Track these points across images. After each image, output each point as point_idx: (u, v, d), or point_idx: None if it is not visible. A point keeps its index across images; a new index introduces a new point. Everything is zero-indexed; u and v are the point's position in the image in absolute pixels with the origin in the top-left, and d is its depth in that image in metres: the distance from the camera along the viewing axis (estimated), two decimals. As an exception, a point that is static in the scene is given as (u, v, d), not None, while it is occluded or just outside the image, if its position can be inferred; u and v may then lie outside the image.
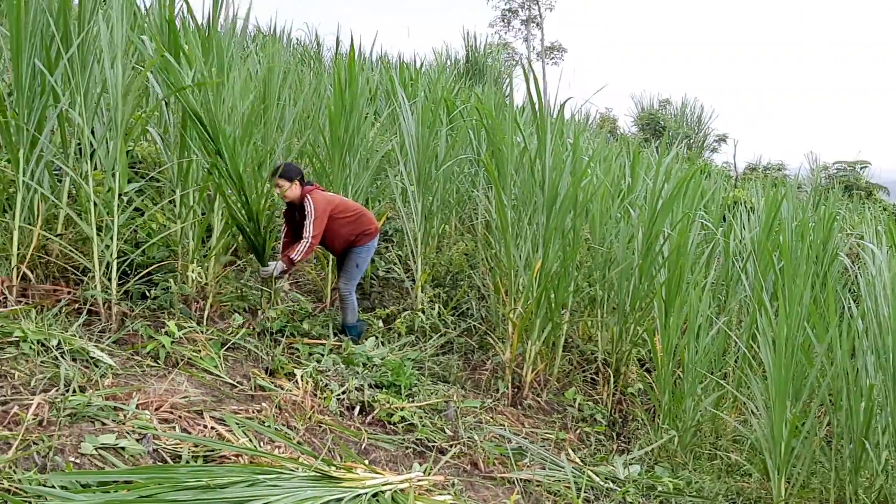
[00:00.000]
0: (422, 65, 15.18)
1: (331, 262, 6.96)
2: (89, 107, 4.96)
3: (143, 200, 5.63)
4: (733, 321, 7.24)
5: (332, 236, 6.06)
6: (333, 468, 3.65)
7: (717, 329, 6.18)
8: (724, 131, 26.26)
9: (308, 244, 5.75)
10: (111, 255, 4.76)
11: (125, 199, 4.98)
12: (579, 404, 6.07)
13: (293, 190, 5.86)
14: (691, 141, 24.56)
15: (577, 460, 5.14)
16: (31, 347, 3.96)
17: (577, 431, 5.82)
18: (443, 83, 9.82)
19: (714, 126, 25.99)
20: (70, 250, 4.84)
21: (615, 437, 6.01)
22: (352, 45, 6.97)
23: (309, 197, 5.84)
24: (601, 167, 7.43)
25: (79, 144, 4.96)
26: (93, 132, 5.02)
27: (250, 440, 3.87)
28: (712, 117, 25.69)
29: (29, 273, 4.73)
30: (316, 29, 17.19)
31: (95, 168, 5.07)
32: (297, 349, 5.43)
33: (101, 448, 3.34)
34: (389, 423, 4.77)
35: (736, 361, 6.59)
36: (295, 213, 5.99)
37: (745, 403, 5.85)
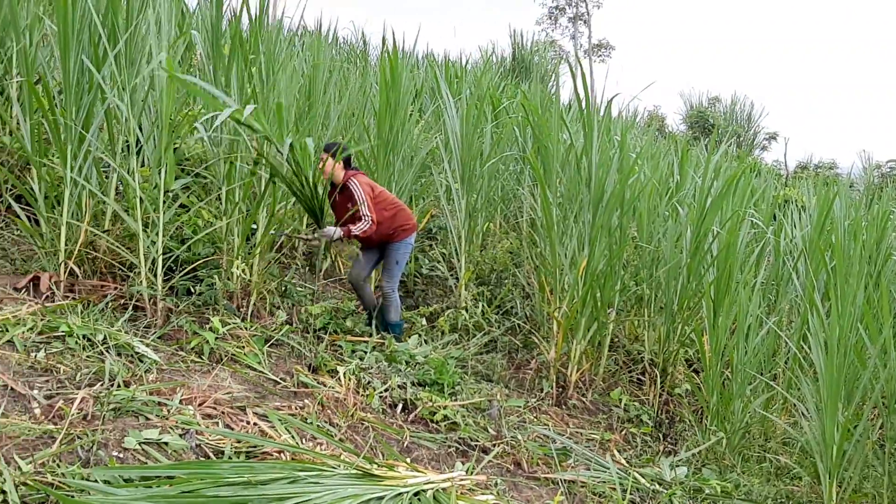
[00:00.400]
0: (467, 62, 15.14)
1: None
2: (136, 103, 4.99)
3: (188, 197, 5.67)
4: (783, 322, 7.09)
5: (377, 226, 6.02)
6: (375, 466, 3.62)
7: (767, 329, 6.04)
8: (774, 129, 25.86)
9: (368, 224, 5.73)
10: (157, 251, 4.79)
11: (171, 195, 5.00)
12: (625, 405, 5.97)
13: (337, 169, 5.83)
14: (741, 139, 24.19)
15: (623, 461, 5.06)
16: (76, 342, 3.99)
17: (623, 432, 5.73)
18: (488, 80, 9.76)
19: (764, 124, 25.62)
20: (116, 246, 4.88)
21: (661, 439, 5.91)
22: (394, 42, 6.94)
23: (354, 180, 5.82)
24: (649, 165, 7.31)
25: (126, 141, 4.99)
26: (140, 129, 5.06)
27: (292, 437, 3.86)
28: (762, 115, 25.29)
29: (76, 269, 4.77)
30: (362, 28, 17.27)
31: (142, 165, 5.11)
32: (340, 346, 5.42)
33: (144, 443, 3.35)
34: (432, 421, 4.73)
35: (786, 363, 6.44)
36: (335, 194, 5.96)
37: (795, 405, 5.72)
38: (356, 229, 5.70)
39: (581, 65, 6.31)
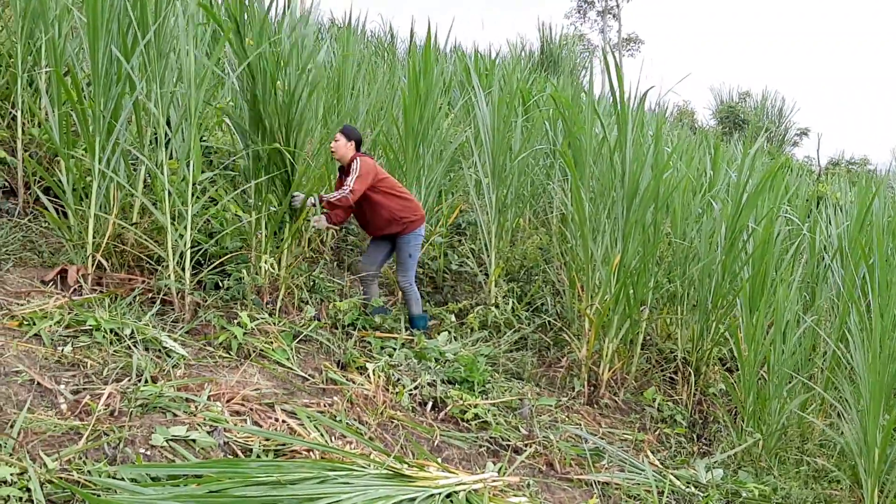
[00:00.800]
0: (496, 56, 15.02)
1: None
2: (165, 95, 4.93)
3: (216, 190, 5.61)
4: (821, 321, 6.92)
5: (376, 209, 5.90)
6: (406, 466, 3.54)
7: (804, 328, 5.88)
8: (805, 125, 25.51)
9: (346, 194, 5.62)
10: (185, 244, 4.73)
11: (199, 188, 4.94)
12: (659, 405, 5.84)
13: (344, 148, 5.79)
14: (772, 134, 23.87)
15: (657, 463, 4.94)
16: (103, 336, 3.93)
17: (657, 432, 5.61)
18: (517, 74, 9.64)
19: (794, 119, 25.26)
20: (144, 239, 4.83)
21: (695, 439, 5.78)
22: (428, 33, 6.84)
23: (358, 158, 5.76)
24: (683, 160, 7.17)
25: (155, 133, 4.93)
26: (168, 122, 5.00)
27: (322, 435, 3.78)
28: (793, 110, 24.92)
29: (104, 262, 4.72)
30: (390, 21, 17.20)
31: (171, 157, 5.06)
32: (369, 343, 5.34)
33: (171, 440, 3.28)
34: (462, 420, 4.64)
35: (824, 362, 6.28)
36: (343, 178, 5.88)
37: (833, 406, 5.57)
38: (329, 196, 5.63)
39: (616, 58, 6.18)
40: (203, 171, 5.16)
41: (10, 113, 5.80)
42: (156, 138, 4.91)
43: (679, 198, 6.49)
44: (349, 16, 16.82)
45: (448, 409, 4.67)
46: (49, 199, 5.05)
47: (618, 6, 34.16)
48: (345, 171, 5.84)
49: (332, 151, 5.86)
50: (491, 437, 4.50)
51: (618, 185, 5.93)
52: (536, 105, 8.40)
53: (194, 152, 4.80)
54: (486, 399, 4.93)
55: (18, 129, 5.44)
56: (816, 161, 20.12)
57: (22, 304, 4.13)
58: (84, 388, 3.50)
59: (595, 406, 5.78)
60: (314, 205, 5.66)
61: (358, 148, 5.88)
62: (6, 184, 5.48)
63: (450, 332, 5.98)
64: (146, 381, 3.69)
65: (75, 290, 4.54)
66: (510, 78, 8.22)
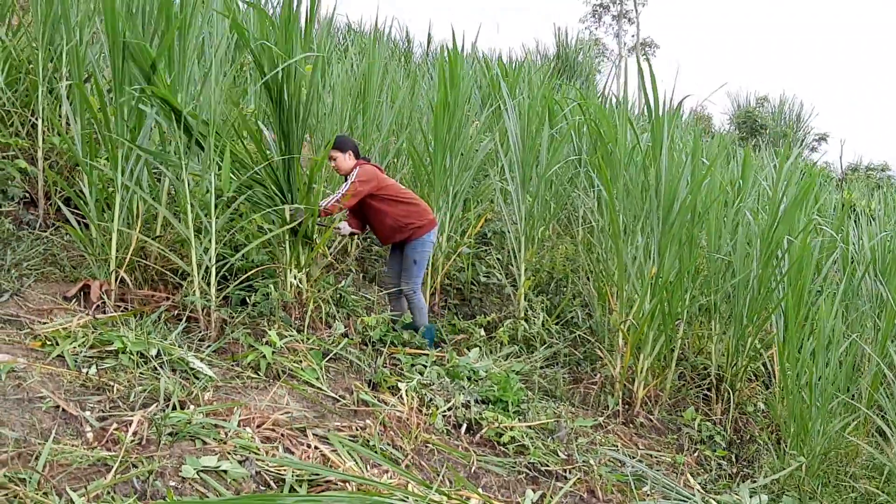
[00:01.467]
0: (511, 62, 14.85)
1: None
2: (188, 102, 4.78)
3: (240, 202, 5.44)
4: (863, 336, 6.71)
5: (380, 216, 5.74)
6: (446, 498, 3.36)
7: (848, 344, 5.67)
8: (822, 130, 25.26)
9: (335, 198, 5.47)
10: (209, 259, 4.57)
11: (224, 199, 4.77)
12: (698, 424, 5.65)
13: (346, 161, 5.63)
14: (790, 140, 23.62)
15: (699, 487, 4.75)
16: (129, 359, 3.77)
17: (695, 453, 5.42)
18: (539, 81, 9.46)
19: (812, 124, 25.03)
20: (167, 253, 4.67)
21: (734, 460, 5.59)
22: (454, 44, 6.67)
23: (358, 167, 5.62)
24: (718, 170, 6.97)
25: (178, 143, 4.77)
26: (190, 130, 4.84)
27: (356, 463, 3.61)
28: (811, 116, 24.69)
29: (126, 277, 4.57)
30: (407, 26, 17.06)
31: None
32: (400, 360, 5.17)
33: (202, 471, 3.11)
34: (499, 443, 4.46)
35: (867, 380, 6.08)
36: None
37: (879, 428, 5.37)
38: (323, 201, 5.44)
39: (649, 64, 5.99)
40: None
41: (31, 121, 5.66)
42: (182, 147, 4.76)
43: (715, 209, 6.30)
44: (373, 21, 16.68)
45: (483, 431, 4.48)
46: (70, 210, 4.91)
47: (636, 9, 33.93)
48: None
49: (336, 170, 5.72)
50: (529, 463, 4.31)
51: (652, 197, 5.74)
52: (562, 112, 8.21)
53: (216, 163, 4.64)
54: (522, 420, 4.75)
55: (39, 137, 5.29)
56: (838, 167, 19.92)
57: (44, 323, 3.98)
58: (111, 415, 3.33)
59: (630, 425, 5.59)
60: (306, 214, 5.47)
61: (357, 155, 5.72)
62: (26, 194, 5.34)
63: (480, 348, 5.80)
64: (174, 407, 3.53)
65: (98, 306, 4.39)
66: (532, 83, 8.03)
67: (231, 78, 5.96)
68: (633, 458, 4.91)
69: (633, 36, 36.23)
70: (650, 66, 5.84)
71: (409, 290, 5.86)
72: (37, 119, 5.34)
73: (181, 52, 4.78)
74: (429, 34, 17.61)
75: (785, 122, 24.81)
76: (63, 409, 3.25)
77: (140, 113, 4.71)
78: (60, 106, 5.49)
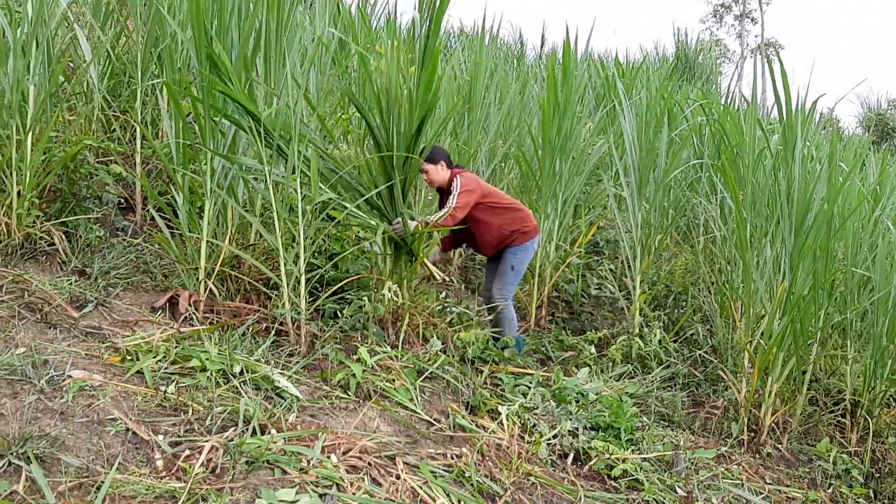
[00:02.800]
0: (630, 64, 14.31)
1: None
2: (284, 108, 4.56)
3: (331, 208, 5.20)
4: None
5: (483, 227, 5.38)
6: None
7: None
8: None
9: (449, 212, 5.04)
10: (300, 269, 4.32)
11: (316, 206, 4.52)
12: (834, 458, 5.08)
13: (439, 173, 5.24)
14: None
15: (836, 532, 4.23)
16: (208, 378, 3.54)
17: (830, 489, 4.86)
18: (656, 81, 8.95)
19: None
20: (257, 263, 4.45)
21: (874, 497, 5.00)
22: (566, 41, 6.26)
23: (458, 176, 5.22)
24: (858, 177, 6.35)
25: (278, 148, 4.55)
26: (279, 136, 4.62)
27: (448, 499, 3.27)
28: (951, 119, 23.07)
29: (215, 288, 4.38)
30: (520, 28, 16.70)
31: (293, 173, 4.66)
32: (501, 380, 4.80)
33: (278, 505, 2.84)
34: (609, 476, 4.03)
35: None
36: (445, 199, 5.34)
37: None
38: (433, 218, 5.05)
39: (781, 60, 5.46)
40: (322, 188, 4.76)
41: (132, 126, 5.58)
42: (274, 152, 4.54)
43: (854, 219, 5.69)
44: (480, 22, 16.43)
45: (592, 462, 4.07)
46: (161, 216, 4.76)
47: (760, 8, 32.63)
48: (445, 191, 5.33)
49: (429, 183, 5.37)
50: (644, 501, 3.88)
51: (783, 204, 5.21)
52: (682, 114, 7.70)
53: (312, 168, 4.39)
54: (636, 451, 4.31)
55: (138, 142, 5.19)
56: None
57: (127, 336, 3.80)
58: (185, 440, 3.09)
59: (757, 456, 5.07)
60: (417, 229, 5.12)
61: (450, 164, 5.36)
62: (123, 200, 5.24)
63: (590, 367, 5.38)
64: (254, 431, 3.27)
65: (186, 318, 4.20)
66: (650, 85, 7.55)
67: (326, 81, 5.75)
68: (761, 494, 4.42)
69: (756, 36, 34.91)
70: (781, 63, 5.31)
71: (501, 299, 5.48)
72: (136, 124, 5.24)
73: (278, 46, 4.56)
74: (542, 36, 17.16)
75: (921, 125, 23.30)
76: (134, 433, 3.03)
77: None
78: (160, 111, 5.38)
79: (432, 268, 4.94)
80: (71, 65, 5.58)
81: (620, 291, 6.68)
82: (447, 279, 5.23)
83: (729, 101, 9.10)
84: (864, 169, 8.10)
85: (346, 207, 4.56)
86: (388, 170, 4.66)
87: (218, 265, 4.38)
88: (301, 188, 4.35)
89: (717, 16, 35.49)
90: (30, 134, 4.34)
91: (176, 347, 3.72)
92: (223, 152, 4.45)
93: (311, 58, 4.78)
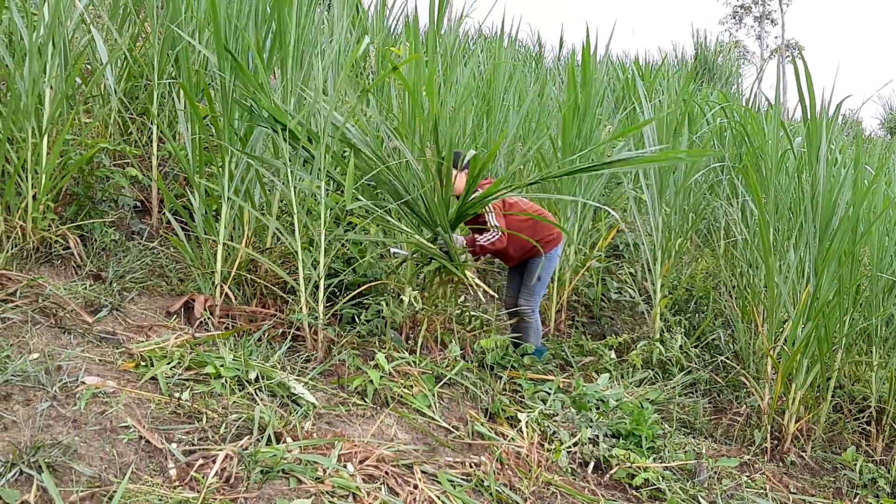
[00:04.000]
0: (648, 65, 14.19)
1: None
2: (303, 108, 4.50)
3: (350, 213, 5.14)
4: None
5: (509, 239, 5.22)
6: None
7: None
8: None
9: (497, 236, 4.98)
10: (318, 274, 4.26)
11: (336, 211, 4.47)
12: (860, 467, 4.97)
13: (459, 180, 5.00)
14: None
15: (864, 544, 4.12)
16: (223, 385, 3.49)
17: (856, 499, 4.75)
18: (676, 84, 8.83)
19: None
20: (275, 268, 4.40)
21: (901, 508, 4.89)
22: (586, 42, 6.17)
23: (480, 191, 5.10)
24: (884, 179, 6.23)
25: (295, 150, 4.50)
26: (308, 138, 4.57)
27: (467, 508, 3.21)
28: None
29: (230, 293, 4.33)
30: (538, 31, 16.62)
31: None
32: (521, 386, 4.72)
33: (292, 516, 2.78)
34: (630, 485, 3.95)
35: None
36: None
37: None
38: (482, 240, 4.98)
39: (805, 61, 5.35)
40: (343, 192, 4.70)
41: (149, 129, 5.54)
42: (295, 154, 4.48)
43: (882, 223, 5.57)
44: (499, 25, 16.39)
45: (613, 471, 4.00)
46: (178, 220, 4.72)
47: (781, 9, 32.37)
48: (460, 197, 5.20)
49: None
50: (665, 511, 3.80)
51: (807, 208, 5.11)
52: (704, 116, 7.59)
53: (324, 171, 4.34)
54: (658, 459, 4.22)
55: (154, 144, 5.15)
56: None
57: (141, 341, 3.76)
58: (198, 448, 3.04)
59: (780, 464, 4.97)
60: (467, 251, 5.04)
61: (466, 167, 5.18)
62: (139, 203, 5.20)
63: (610, 373, 5.29)
64: (269, 439, 3.21)
65: (201, 322, 4.15)
66: (670, 86, 7.44)
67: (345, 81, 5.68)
68: (785, 504, 4.32)
69: (776, 38, 34.65)
70: (805, 64, 5.20)
71: (528, 308, 5.39)
72: (153, 126, 5.21)
73: (296, 49, 4.51)
74: (560, 38, 17.05)
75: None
76: (147, 441, 2.98)
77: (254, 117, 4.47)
78: (176, 113, 5.34)
79: (480, 283, 4.86)
80: (88, 67, 5.56)
81: (640, 296, 6.59)
82: (493, 294, 5.14)
83: (750, 102, 8.96)
84: (888, 172, 7.96)
85: (384, 216, 4.48)
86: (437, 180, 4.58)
87: (234, 269, 4.33)
88: (324, 191, 4.29)
89: (737, 17, 35.26)
90: (46, 137, 4.30)
91: (191, 353, 3.67)
92: (237, 155, 4.40)
93: (331, 60, 4.71)
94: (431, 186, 4.45)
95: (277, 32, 4.45)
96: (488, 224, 5.01)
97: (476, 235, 5.03)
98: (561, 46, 14.30)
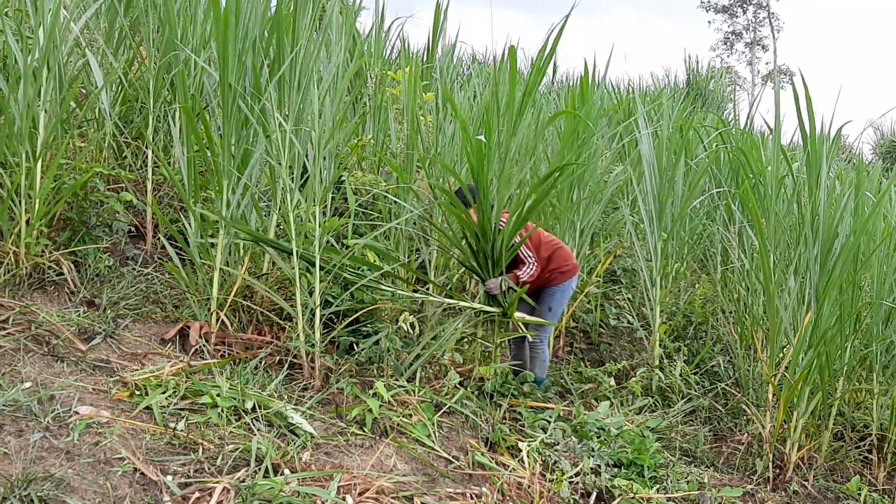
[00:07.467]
0: (643, 91, 14.23)
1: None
2: (301, 133, 4.46)
3: (347, 237, 5.08)
4: None
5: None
6: None
7: None
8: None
9: (533, 266, 5.03)
10: (315, 300, 4.20)
11: (330, 235, 4.41)
12: (864, 497, 4.90)
13: (473, 216, 4.95)
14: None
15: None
16: (219, 415, 3.41)
17: (859, 530, 4.69)
18: (670, 110, 8.81)
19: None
20: (271, 294, 4.33)
21: (905, 539, 4.83)
22: (585, 72, 6.17)
23: (502, 221, 5.04)
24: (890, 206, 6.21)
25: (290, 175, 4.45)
26: (307, 159, 4.52)
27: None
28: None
29: (227, 320, 4.26)
30: (532, 57, 16.61)
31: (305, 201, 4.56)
32: (521, 414, 4.65)
33: (290, 553, 2.70)
34: (633, 517, 3.89)
35: None
36: None
37: None
38: (523, 274, 4.97)
39: (806, 88, 5.32)
40: (341, 215, 4.66)
41: (144, 153, 5.49)
42: (292, 180, 4.43)
43: (883, 249, 5.54)
44: (491, 49, 16.42)
45: (616, 502, 3.92)
46: (173, 246, 4.65)
47: (773, 35, 32.64)
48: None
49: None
50: (670, 544, 3.73)
51: (807, 235, 5.07)
52: (701, 141, 7.57)
53: (321, 196, 4.29)
54: (661, 490, 4.15)
55: (149, 169, 5.10)
56: None
57: (136, 370, 3.68)
58: (194, 481, 2.96)
59: (783, 493, 4.90)
60: (510, 288, 4.99)
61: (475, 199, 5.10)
62: (133, 228, 5.13)
63: (611, 401, 5.22)
64: (266, 471, 3.14)
65: (196, 350, 4.08)
66: (665, 112, 7.42)
67: (342, 109, 5.66)
68: (790, 536, 4.25)
69: (767, 63, 34.91)
70: (806, 88, 5.19)
71: (537, 339, 5.30)
72: (148, 150, 5.16)
73: (291, 73, 4.47)
74: (554, 63, 16.99)
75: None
76: (142, 473, 2.90)
77: (250, 142, 4.42)
78: (172, 138, 5.29)
79: (523, 326, 4.98)
80: (83, 90, 5.51)
81: (639, 321, 6.54)
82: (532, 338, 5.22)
83: (746, 127, 8.96)
84: (890, 199, 7.96)
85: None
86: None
87: (232, 294, 4.26)
88: (318, 217, 4.25)
89: (728, 43, 35.53)
90: (40, 161, 4.24)
91: (186, 382, 3.60)
92: (233, 180, 4.35)
93: (327, 86, 4.68)
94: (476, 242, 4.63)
95: (276, 58, 4.43)
96: (522, 256, 5.02)
97: (515, 271, 5.00)
98: (555, 72, 14.33)
